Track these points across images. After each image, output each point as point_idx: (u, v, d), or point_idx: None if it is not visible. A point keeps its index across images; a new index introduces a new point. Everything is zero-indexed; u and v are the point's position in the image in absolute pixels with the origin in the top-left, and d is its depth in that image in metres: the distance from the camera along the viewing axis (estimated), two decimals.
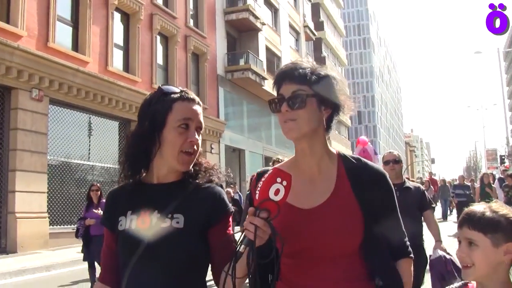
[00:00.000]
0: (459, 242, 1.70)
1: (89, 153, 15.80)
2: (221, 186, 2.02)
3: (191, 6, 22.43)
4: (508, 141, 47.51)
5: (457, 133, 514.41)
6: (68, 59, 14.37)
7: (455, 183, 20.34)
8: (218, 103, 23.92)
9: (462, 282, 1.75)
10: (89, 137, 15.92)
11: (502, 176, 16.70)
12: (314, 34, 38.80)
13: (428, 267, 4.59)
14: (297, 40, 35.78)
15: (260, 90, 26.26)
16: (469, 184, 20.47)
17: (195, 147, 1.76)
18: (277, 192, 1.47)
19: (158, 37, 19.67)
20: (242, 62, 25.23)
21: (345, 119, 50.86)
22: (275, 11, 31.22)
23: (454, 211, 22.92)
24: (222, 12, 25.07)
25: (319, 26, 41.66)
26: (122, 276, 1.72)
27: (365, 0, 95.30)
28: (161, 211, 1.71)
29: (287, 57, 30.14)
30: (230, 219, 1.79)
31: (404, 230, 1.83)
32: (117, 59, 17.20)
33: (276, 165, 1.86)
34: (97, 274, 5.98)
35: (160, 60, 19.93)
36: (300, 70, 1.70)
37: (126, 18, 17.98)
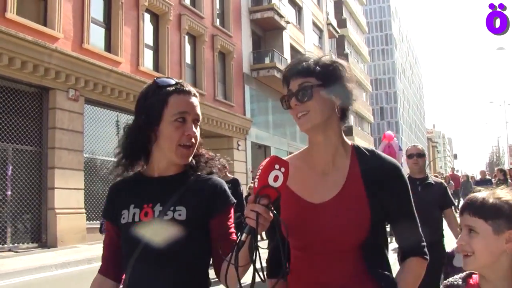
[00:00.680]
0: (461, 230, 1.60)
1: None
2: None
3: (217, 5, 22.71)
4: None
5: (480, 129, 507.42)
6: (101, 59, 14.74)
7: (477, 179, 20.29)
8: (244, 101, 24.18)
9: (466, 273, 1.63)
10: None
11: None
12: (337, 32, 38.88)
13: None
14: (320, 37, 35.88)
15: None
16: (491, 178, 20.42)
17: (193, 140, 1.74)
18: (276, 178, 1.44)
19: (186, 37, 19.94)
20: (267, 60, 25.47)
21: (368, 116, 50.79)
22: (299, 9, 31.41)
23: None
24: (248, 11, 25.33)
25: (342, 23, 41.69)
26: (125, 269, 1.72)
27: None
28: (163, 204, 1.71)
29: (311, 55, 30.12)
30: (232, 211, 1.78)
31: (420, 230, 1.76)
32: (147, 59, 17.56)
33: (288, 156, 1.87)
34: None
35: (188, 59, 20.20)
36: (304, 63, 1.71)
37: (156, 19, 18.33)
